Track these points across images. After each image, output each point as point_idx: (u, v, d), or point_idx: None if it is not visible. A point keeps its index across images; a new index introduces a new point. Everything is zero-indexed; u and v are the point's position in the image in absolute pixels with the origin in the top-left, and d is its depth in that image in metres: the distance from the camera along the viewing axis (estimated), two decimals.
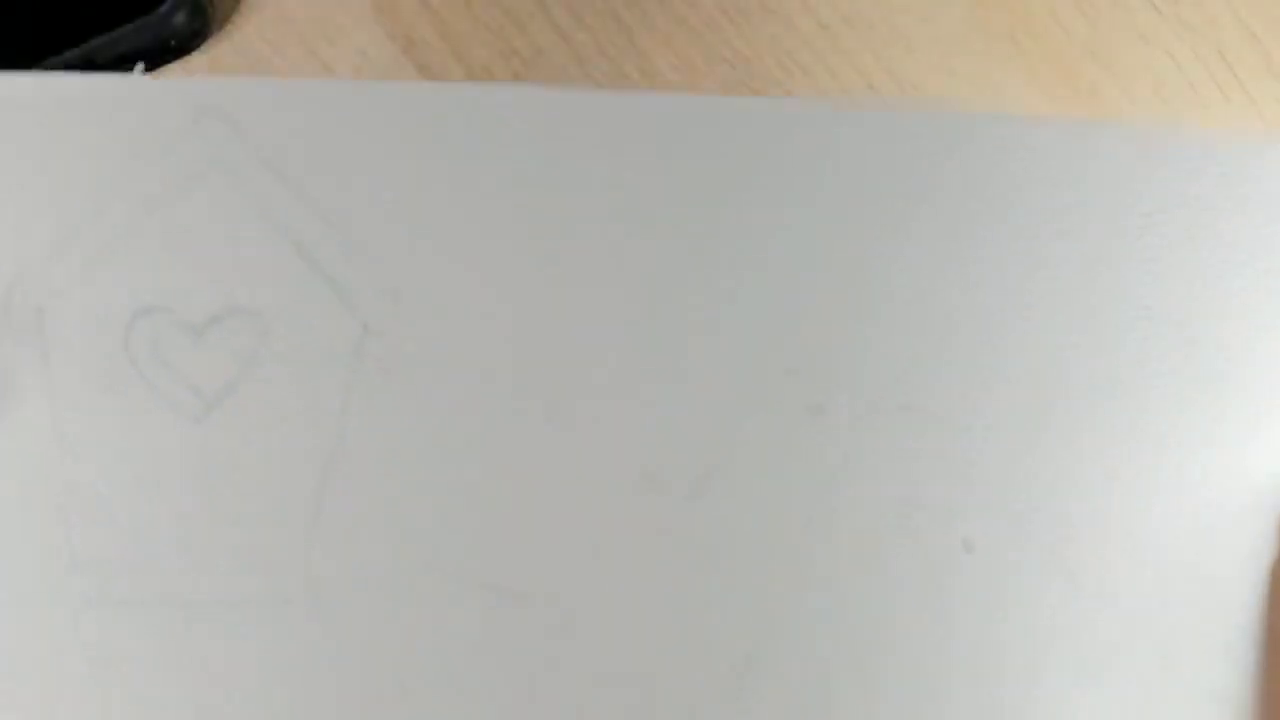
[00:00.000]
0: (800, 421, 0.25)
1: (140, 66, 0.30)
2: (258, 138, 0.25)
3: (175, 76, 0.24)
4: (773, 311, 0.25)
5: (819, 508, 0.26)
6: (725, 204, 0.25)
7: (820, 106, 0.26)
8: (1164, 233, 0.26)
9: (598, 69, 0.42)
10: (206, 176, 0.25)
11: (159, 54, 0.44)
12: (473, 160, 0.25)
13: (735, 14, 0.42)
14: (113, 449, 0.24)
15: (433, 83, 0.25)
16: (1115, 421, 0.26)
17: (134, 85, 0.25)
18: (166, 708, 0.24)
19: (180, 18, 0.42)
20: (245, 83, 0.25)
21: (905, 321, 0.26)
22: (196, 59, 0.43)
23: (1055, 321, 0.26)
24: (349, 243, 0.25)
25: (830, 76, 0.43)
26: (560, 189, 0.25)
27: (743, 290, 0.26)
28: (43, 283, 0.25)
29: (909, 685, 0.25)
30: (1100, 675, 0.25)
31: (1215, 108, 0.45)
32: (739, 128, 0.25)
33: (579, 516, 0.25)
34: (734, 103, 0.26)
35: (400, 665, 0.24)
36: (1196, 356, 0.26)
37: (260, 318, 0.25)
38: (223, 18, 0.44)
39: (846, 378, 0.26)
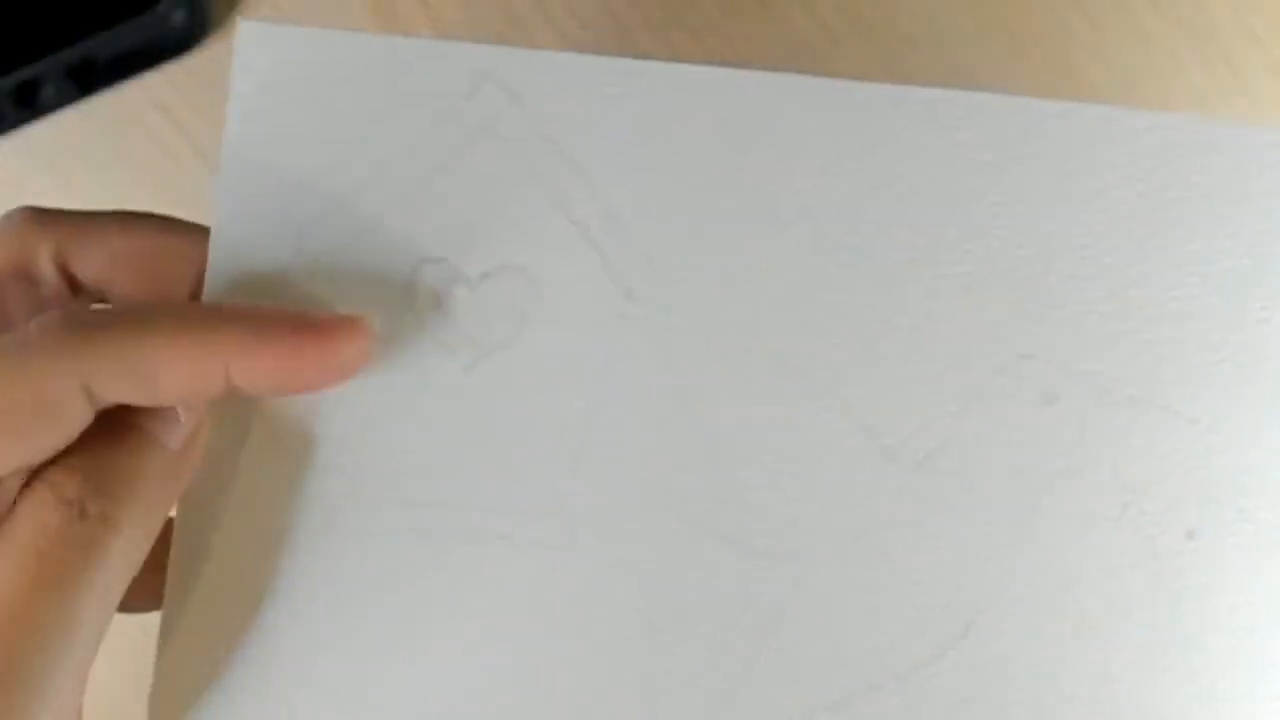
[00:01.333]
0: (1032, 407, 0.26)
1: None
2: (533, 106, 0.26)
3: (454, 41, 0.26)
4: (1010, 295, 0.26)
5: (1044, 491, 0.26)
6: (966, 192, 0.26)
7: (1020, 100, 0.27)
8: None
9: None
10: (483, 140, 0.26)
11: (156, 53, 0.43)
12: (729, 140, 0.26)
13: (734, 12, 0.42)
14: (393, 389, 0.26)
15: (699, 66, 0.26)
16: None
17: (420, 48, 0.26)
18: (436, 632, 0.26)
19: (177, 17, 0.42)
20: (521, 52, 0.26)
21: (1137, 311, 0.26)
22: (193, 58, 0.43)
23: None
24: (614, 212, 0.26)
25: (829, 74, 0.43)
26: (807, 171, 0.26)
27: (980, 272, 0.26)
28: (331, 234, 0.26)
29: (1123, 666, 0.26)
30: None
31: (1218, 109, 0.44)
32: (975, 119, 0.26)
33: (813, 480, 0.26)
34: (973, 98, 0.26)
35: (645, 606, 0.26)
36: None
37: (531, 278, 0.26)
38: (219, 17, 0.43)
39: (1079, 366, 0.26)
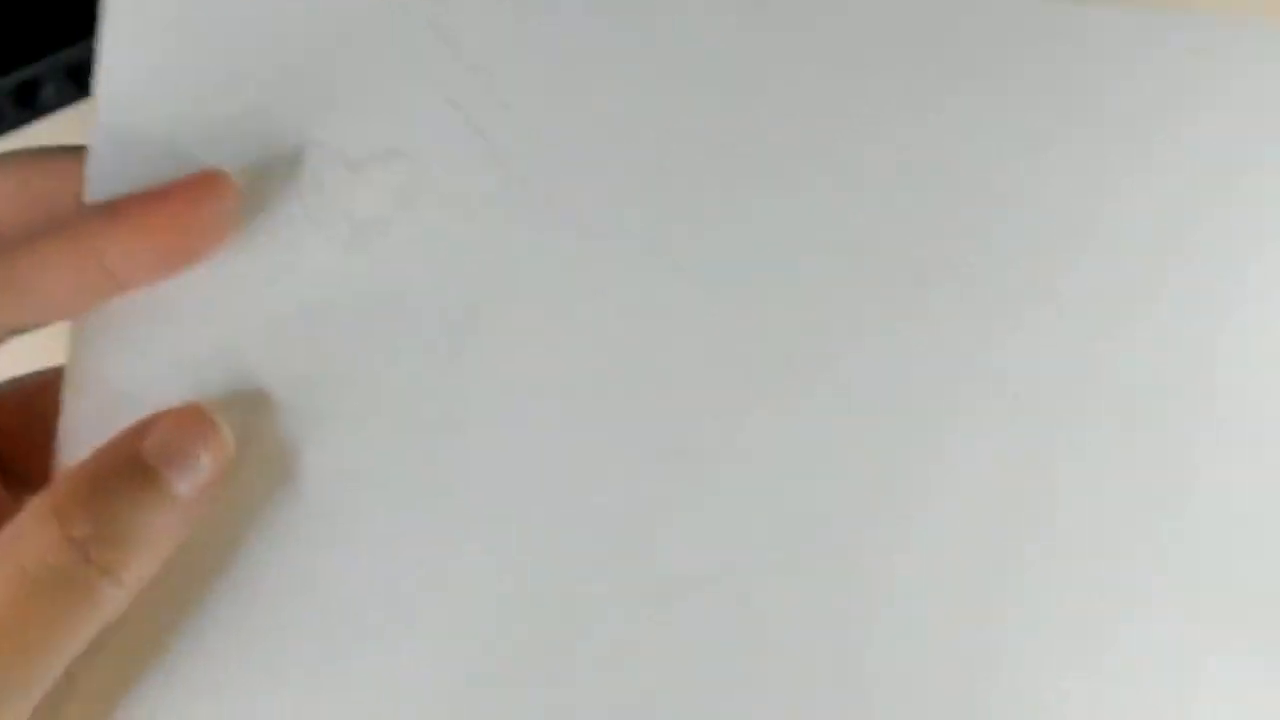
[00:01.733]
0: (913, 301, 0.26)
1: None
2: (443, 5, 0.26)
3: None
4: (893, 196, 0.26)
5: (931, 389, 0.26)
6: (839, 90, 0.26)
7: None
8: None
9: None
10: (367, 27, 0.26)
11: None
12: (613, 23, 0.26)
13: None
14: (275, 268, 0.26)
15: None
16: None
17: None
18: (319, 513, 0.26)
19: None
20: None
21: (1016, 203, 0.26)
22: None
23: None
24: (498, 96, 0.26)
25: None
26: (697, 53, 0.26)
27: (866, 176, 0.26)
28: (216, 114, 0.26)
29: (980, 575, 0.26)
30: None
31: None
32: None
33: (703, 368, 0.26)
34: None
35: (531, 489, 0.26)
36: None
37: (415, 161, 0.26)
38: None
39: (963, 265, 0.26)
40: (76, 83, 0.41)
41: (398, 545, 0.26)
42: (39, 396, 0.27)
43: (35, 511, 0.23)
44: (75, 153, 0.26)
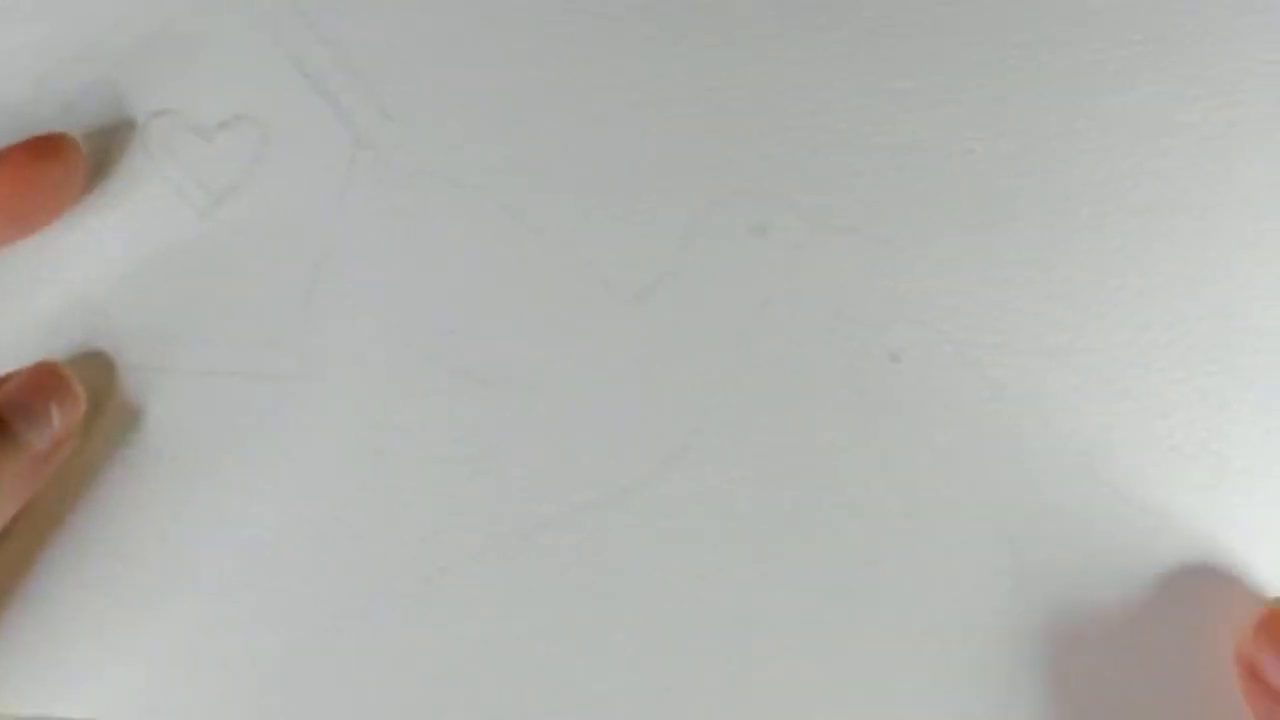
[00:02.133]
0: (744, 240, 0.27)
1: None
2: None
3: None
4: (725, 134, 0.27)
5: (755, 318, 0.27)
6: (676, 38, 0.28)
7: None
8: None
9: None
10: (222, 2, 0.28)
11: None
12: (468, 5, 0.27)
13: None
14: (131, 235, 0.27)
15: None
16: (1055, 246, 0.27)
17: None
18: (171, 466, 0.27)
19: None
20: None
21: (853, 147, 0.27)
22: None
23: (998, 150, 0.27)
24: (347, 63, 0.27)
25: None
26: (540, 19, 0.27)
27: (697, 114, 0.27)
28: (72, 82, 0.28)
29: (832, 479, 0.27)
30: (1024, 478, 0.27)
31: None
32: None
33: (539, 314, 0.27)
34: None
35: (376, 432, 0.27)
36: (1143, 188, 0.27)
37: (264, 126, 0.27)
38: None
39: (793, 200, 0.27)
40: None
41: (249, 495, 0.27)
42: None
43: None
44: None
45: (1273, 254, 0.27)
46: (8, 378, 0.25)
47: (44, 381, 0.25)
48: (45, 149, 0.26)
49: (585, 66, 0.27)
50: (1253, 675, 0.25)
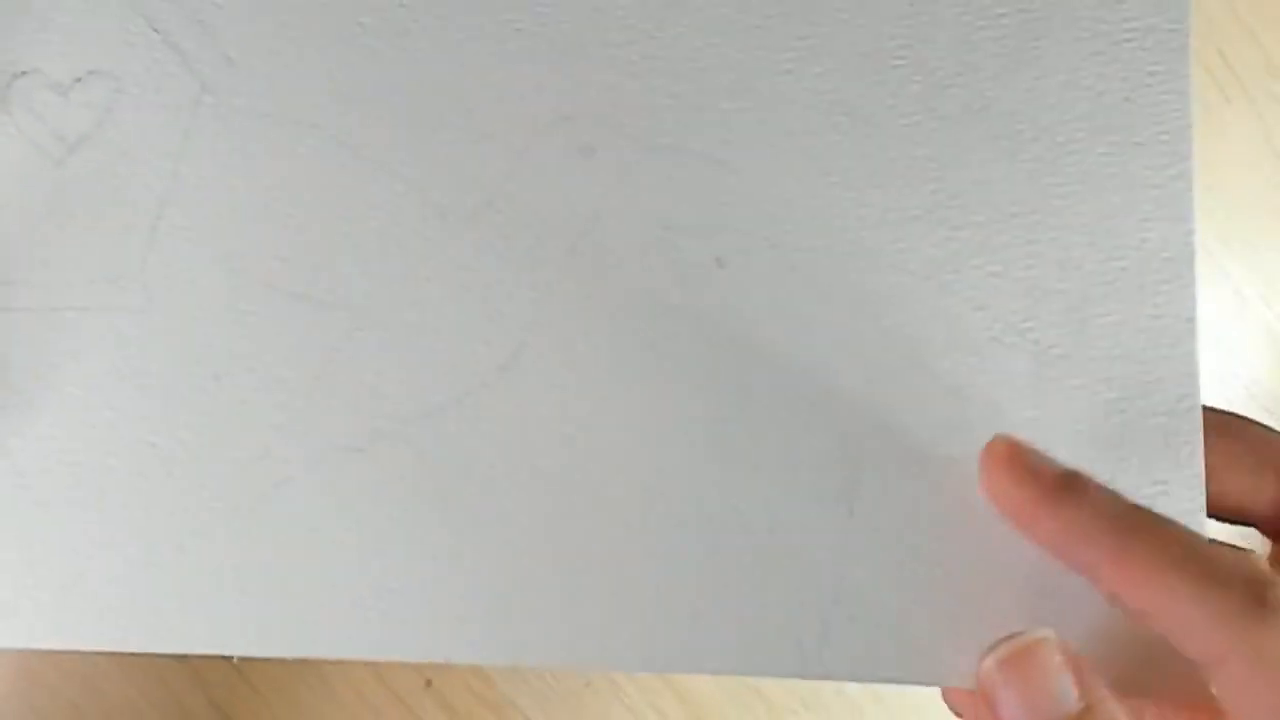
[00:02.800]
0: (573, 160, 0.29)
1: None
2: None
3: None
4: (550, 61, 0.29)
5: (585, 233, 0.28)
6: None
7: None
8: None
9: None
10: None
11: None
12: None
13: None
14: None
15: None
16: (870, 154, 0.28)
17: None
18: (18, 399, 0.28)
19: None
20: None
21: (676, 72, 0.29)
22: None
23: (813, 69, 0.29)
24: (196, 18, 0.29)
25: None
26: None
27: (522, 43, 0.29)
28: None
29: (663, 380, 0.28)
30: (851, 374, 0.28)
31: (1216, 109, 0.41)
32: None
33: (372, 237, 0.28)
34: None
35: (214, 356, 0.28)
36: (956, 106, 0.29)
37: (116, 79, 0.29)
38: None
39: (617, 122, 0.29)
40: None
41: (95, 423, 0.28)
42: None
43: None
44: None
45: (1077, 150, 0.28)
46: None
47: None
48: None
49: (420, 8, 0.29)
50: (987, 701, 0.26)
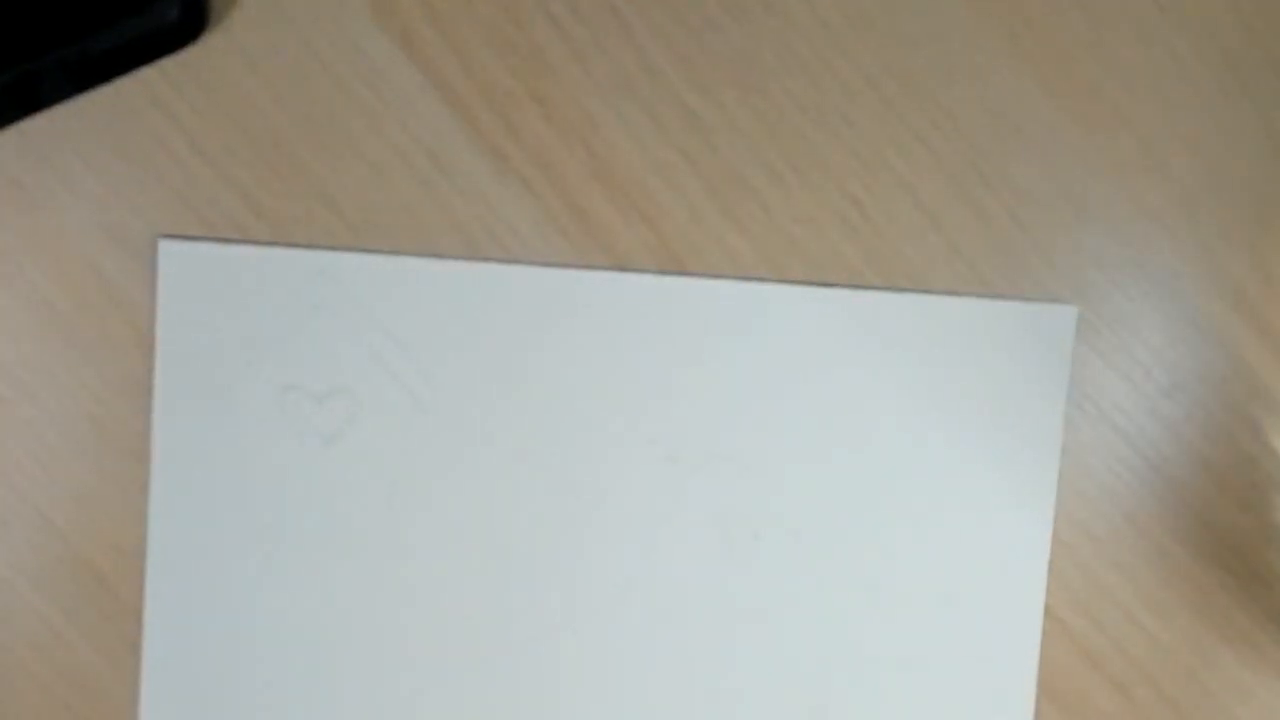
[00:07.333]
0: (660, 466, 0.41)
1: None
2: (368, 300, 0.41)
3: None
4: (645, 401, 0.41)
5: (664, 525, 0.42)
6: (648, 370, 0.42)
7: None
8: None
9: (596, 65, 0.42)
10: (322, 323, 0.40)
11: (154, 48, 0.43)
12: (507, 331, 0.41)
13: (736, 11, 0.42)
14: (266, 467, 0.40)
15: (477, 264, 0.41)
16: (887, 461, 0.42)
17: (265, 255, 0.41)
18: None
19: (175, 12, 0.41)
20: (360, 257, 0.41)
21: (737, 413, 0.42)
22: (191, 53, 0.43)
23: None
24: (423, 370, 0.40)
25: (829, 73, 0.42)
26: (555, 360, 0.42)
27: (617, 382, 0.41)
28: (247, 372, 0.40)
29: (695, 640, 0.42)
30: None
31: (1217, 106, 0.44)
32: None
33: (521, 506, 0.42)
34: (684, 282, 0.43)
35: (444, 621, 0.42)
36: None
37: (356, 397, 0.40)
38: (219, 12, 0.43)
39: (690, 439, 0.41)
40: (74, 78, 0.41)
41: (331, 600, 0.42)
42: None
43: None
44: None
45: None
46: None
47: None
48: None
49: (574, 389, 0.42)
50: None
